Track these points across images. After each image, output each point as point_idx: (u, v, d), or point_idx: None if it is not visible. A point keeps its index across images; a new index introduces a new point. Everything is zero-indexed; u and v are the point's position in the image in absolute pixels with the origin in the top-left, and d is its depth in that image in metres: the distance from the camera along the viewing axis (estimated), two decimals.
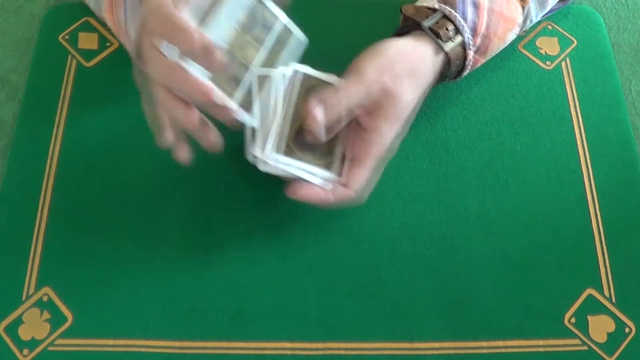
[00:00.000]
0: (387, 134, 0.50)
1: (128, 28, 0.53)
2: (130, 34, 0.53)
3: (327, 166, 0.50)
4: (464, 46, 0.53)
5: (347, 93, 0.48)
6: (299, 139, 0.49)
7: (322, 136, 0.48)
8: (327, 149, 0.50)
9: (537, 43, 0.63)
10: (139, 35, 0.45)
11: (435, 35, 0.52)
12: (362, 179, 0.50)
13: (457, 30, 0.53)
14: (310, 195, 0.49)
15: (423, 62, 0.52)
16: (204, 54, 0.42)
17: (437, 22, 0.52)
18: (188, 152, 0.49)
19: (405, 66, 0.50)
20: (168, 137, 0.48)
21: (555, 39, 0.63)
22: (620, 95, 0.60)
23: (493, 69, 0.61)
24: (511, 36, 0.58)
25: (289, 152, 0.49)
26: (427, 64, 0.52)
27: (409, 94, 0.51)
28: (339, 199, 0.50)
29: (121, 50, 0.62)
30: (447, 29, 0.52)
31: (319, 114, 0.47)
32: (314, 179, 0.49)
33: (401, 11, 0.55)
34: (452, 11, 0.52)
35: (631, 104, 0.61)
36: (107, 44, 0.62)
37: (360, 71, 0.49)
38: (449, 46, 0.52)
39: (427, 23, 0.52)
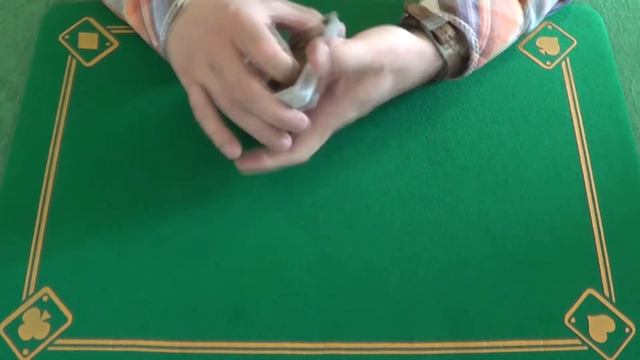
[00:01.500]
0: (351, 111, 0.52)
1: (155, 27, 0.54)
2: (158, 33, 0.54)
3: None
4: (461, 55, 0.53)
5: (355, 53, 0.48)
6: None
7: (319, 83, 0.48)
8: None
9: (537, 43, 0.63)
10: (204, 41, 0.48)
11: (436, 39, 0.52)
12: (310, 146, 0.51)
13: (458, 39, 0.53)
14: (255, 166, 0.50)
15: (418, 65, 0.52)
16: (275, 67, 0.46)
17: (440, 27, 0.52)
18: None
19: (400, 59, 0.51)
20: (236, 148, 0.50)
21: (555, 39, 0.63)
22: (620, 95, 0.60)
23: (493, 69, 0.61)
24: (513, 37, 0.58)
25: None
26: (421, 66, 0.52)
27: (390, 86, 0.52)
28: (282, 164, 0.51)
29: (121, 50, 0.62)
30: (449, 36, 0.52)
31: (322, 58, 0.46)
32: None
33: (405, 9, 0.55)
34: (456, 18, 0.52)
35: (631, 104, 0.61)
36: (107, 44, 0.62)
37: (371, 39, 0.50)
38: (447, 53, 0.52)
39: (430, 26, 0.52)
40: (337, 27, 0.50)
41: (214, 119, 0.49)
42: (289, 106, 0.47)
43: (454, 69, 0.54)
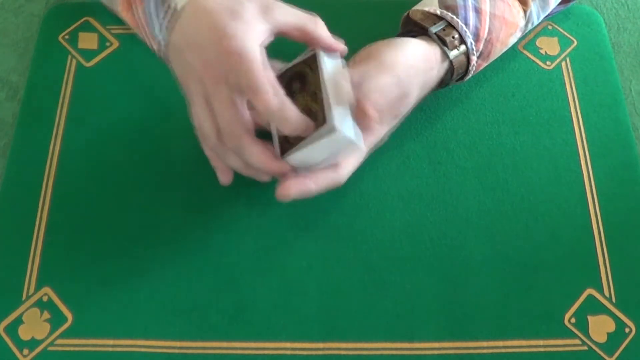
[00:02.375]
0: (386, 128, 0.52)
1: (151, 28, 0.52)
2: (154, 34, 0.51)
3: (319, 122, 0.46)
4: (467, 54, 0.53)
5: (386, 94, 0.49)
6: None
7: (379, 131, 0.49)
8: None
9: (537, 43, 0.63)
10: (200, 72, 0.45)
11: (442, 42, 0.52)
12: (352, 167, 0.51)
13: (461, 39, 0.53)
14: (299, 190, 0.49)
15: (431, 68, 0.52)
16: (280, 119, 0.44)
17: (443, 29, 0.53)
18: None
19: (419, 67, 0.51)
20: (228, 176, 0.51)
21: (555, 39, 0.63)
22: (620, 95, 0.60)
23: (493, 69, 0.61)
24: (512, 40, 0.58)
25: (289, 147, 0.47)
26: (434, 70, 0.53)
27: (416, 95, 0.52)
28: (325, 187, 0.50)
29: (121, 50, 0.62)
30: (453, 37, 0.52)
31: (372, 111, 0.47)
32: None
33: (408, 15, 0.55)
34: (454, 17, 0.52)
35: (631, 104, 0.61)
36: (107, 44, 0.62)
37: (395, 72, 0.50)
38: (453, 54, 0.53)
39: (434, 29, 0.52)
40: (331, 59, 0.47)
41: None
42: (310, 160, 0.46)
43: (461, 69, 0.54)
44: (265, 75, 0.43)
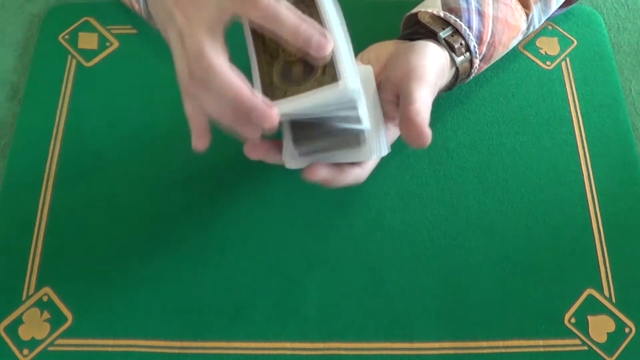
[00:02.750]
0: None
1: None
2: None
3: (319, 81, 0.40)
4: (470, 60, 0.53)
5: (426, 106, 0.47)
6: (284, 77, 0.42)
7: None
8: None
9: (537, 43, 0.63)
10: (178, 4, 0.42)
11: (450, 48, 0.52)
12: (374, 162, 0.51)
13: (467, 45, 0.53)
14: (328, 178, 0.47)
15: (443, 75, 0.52)
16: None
17: (452, 35, 0.52)
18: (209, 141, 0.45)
19: (438, 74, 0.50)
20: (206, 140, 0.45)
21: (555, 39, 0.63)
22: (620, 95, 0.60)
23: (493, 69, 0.61)
24: (514, 42, 0.58)
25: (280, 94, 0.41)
26: (445, 76, 0.52)
27: (430, 99, 0.50)
28: (350, 182, 0.49)
29: (121, 50, 0.62)
30: (460, 44, 0.52)
31: (427, 132, 0.45)
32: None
33: (414, 16, 0.54)
34: (457, 20, 0.52)
35: (631, 104, 0.61)
36: (107, 44, 0.62)
37: (428, 80, 0.48)
38: (459, 60, 0.52)
39: (443, 34, 0.52)
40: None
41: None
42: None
43: (464, 75, 0.54)
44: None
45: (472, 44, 0.53)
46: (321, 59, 0.40)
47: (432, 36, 0.53)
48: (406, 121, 0.45)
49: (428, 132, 0.45)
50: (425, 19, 0.53)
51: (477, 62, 0.54)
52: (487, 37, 0.54)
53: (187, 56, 0.41)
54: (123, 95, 0.59)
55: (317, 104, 0.40)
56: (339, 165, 0.48)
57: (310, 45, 0.39)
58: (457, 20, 0.52)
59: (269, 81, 0.42)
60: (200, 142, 0.45)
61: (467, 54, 0.53)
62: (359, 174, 0.50)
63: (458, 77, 0.54)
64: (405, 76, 0.48)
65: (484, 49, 0.54)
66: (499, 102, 0.60)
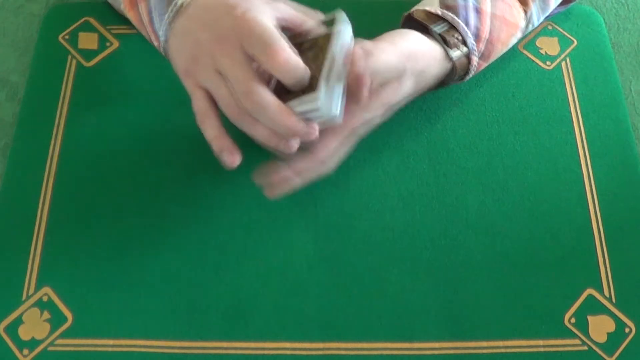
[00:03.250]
0: (377, 117, 0.51)
1: (154, 26, 0.53)
2: (158, 32, 0.53)
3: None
4: (467, 55, 0.53)
5: (384, 58, 0.48)
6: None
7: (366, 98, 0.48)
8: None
9: (537, 43, 0.63)
10: (211, 45, 0.46)
11: (444, 41, 0.52)
12: (330, 147, 0.50)
13: (463, 40, 0.53)
14: (285, 187, 0.50)
15: (433, 66, 0.52)
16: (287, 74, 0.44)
17: (446, 30, 0.53)
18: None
19: (420, 63, 0.51)
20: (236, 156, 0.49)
21: (555, 39, 0.63)
22: (620, 95, 0.60)
23: (493, 69, 0.61)
24: (513, 40, 0.58)
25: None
26: (435, 68, 0.53)
27: (410, 89, 0.52)
28: (311, 177, 0.50)
29: (121, 50, 0.62)
30: (455, 37, 0.52)
31: (367, 81, 0.47)
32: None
33: (409, 15, 0.55)
34: (455, 17, 0.53)
35: (631, 104, 0.61)
36: (107, 44, 0.62)
37: (394, 43, 0.50)
38: (456, 55, 0.53)
39: (437, 29, 0.52)
40: (348, 27, 0.48)
41: (216, 125, 0.48)
42: (305, 117, 0.46)
43: (462, 71, 0.54)
44: (275, 33, 0.44)
45: (470, 41, 0.53)
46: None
47: (426, 32, 0.53)
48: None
49: (366, 83, 0.46)
50: (419, 16, 0.54)
51: (475, 59, 0.54)
52: (485, 34, 0.54)
53: (235, 94, 0.46)
54: (123, 95, 0.59)
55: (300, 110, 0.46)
56: (294, 168, 0.50)
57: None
58: (455, 17, 0.53)
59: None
60: (234, 156, 0.48)
61: (464, 48, 0.53)
62: (317, 168, 0.50)
63: (456, 72, 0.54)
64: (384, 44, 0.50)
65: (482, 46, 0.54)
66: (499, 102, 0.60)
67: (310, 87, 0.46)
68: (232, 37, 0.45)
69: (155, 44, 0.55)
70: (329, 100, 0.45)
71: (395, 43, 0.50)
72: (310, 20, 0.49)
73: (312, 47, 0.48)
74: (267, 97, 0.45)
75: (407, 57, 0.50)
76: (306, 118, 0.46)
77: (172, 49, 0.51)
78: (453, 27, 0.53)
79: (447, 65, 0.53)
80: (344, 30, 0.47)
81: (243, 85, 0.45)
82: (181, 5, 0.50)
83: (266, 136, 0.47)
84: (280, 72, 0.44)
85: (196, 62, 0.47)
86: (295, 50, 0.46)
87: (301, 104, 0.45)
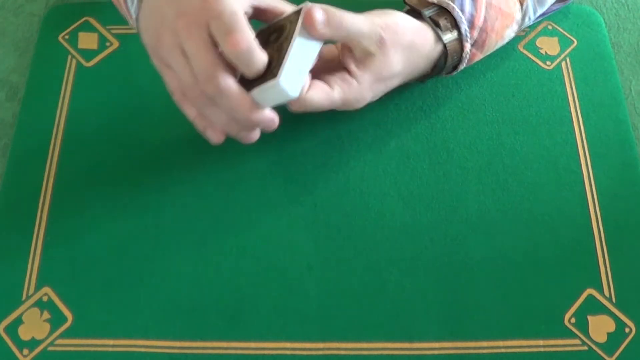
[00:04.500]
0: (367, 87, 0.51)
1: (127, 4, 0.52)
2: (130, 10, 0.52)
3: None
4: (461, 40, 0.53)
5: (351, 19, 0.47)
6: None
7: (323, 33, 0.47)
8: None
9: (537, 43, 0.63)
10: (176, 22, 0.45)
11: (435, 24, 0.52)
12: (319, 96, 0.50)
13: (455, 24, 0.53)
14: (317, 99, 0.49)
15: (422, 44, 0.52)
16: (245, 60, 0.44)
17: (437, 13, 0.53)
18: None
19: (406, 38, 0.51)
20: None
21: (556, 39, 0.63)
22: (620, 95, 0.60)
23: (493, 69, 0.61)
24: (509, 33, 0.58)
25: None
26: (425, 47, 0.52)
27: (400, 64, 0.51)
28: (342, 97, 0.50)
29: (121, 50, 0.62)
30: (446, 20, 0.53)
31: (320, 16, 0.46)
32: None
33: (404, 1, 0.55)
34: (450, 2, 0.53)
35: (631, 104, 0.61)
36: (107, 44, 0.62)
37: (369, 16, 0.49)
38: (447, 37, 0.53)
39: (427, 12, 0.53)
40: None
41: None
42: (263, 103, 0.46)
43: (455, 54, 0.54)
44: (242, 20, 0.43)
45: (464, 27, 0.53)
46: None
47: (420, 17, 0.53)
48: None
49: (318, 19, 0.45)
50: (412, 2, 0.54)
51: (468, 46, 0.54)
52: (479, 22, 0.54)
53: (198, 76, 0.45)
54: (123, 95, 0.59)
55: (262, 97, 0.47)
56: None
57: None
58: (450, 2, 0.53)
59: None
60: (217, 135, 0.49)
61: (456, 31, 0.53)
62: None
63: (447, 57, 0.54)
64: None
65: (476, 33, 0.54)
66: (499, 102, 0.60)
67: (270, 71, 0.46)
68: (199, 16, 0.44)
69: (130, 22, 0.54)
70: (290, 85, 0.46)
71: (370, 15, 0.49)
72: (288, 7, 0.49)
73: (276, 29, 0.48)
74: (230, 84, 0.44)
75: (384, 28, 0.49)
76: (265, 102, 0.47)
77: (141, 26, 0.50)
78: (444, 10, 0.53)
79: (438, 48, 0.53)
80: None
81: (206, 70, 0.44)
82: None
83: (225, 123, 0.47)
84: (239, 60, 0.44)
85: (159, 39, 0.46)
86: (258, 40, 0.45)
87: (261, 92, 0.45)
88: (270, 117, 0.47)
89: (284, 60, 0.45)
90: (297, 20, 0.46)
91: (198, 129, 0.49)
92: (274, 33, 0.48)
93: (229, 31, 0.43)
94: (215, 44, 0.44)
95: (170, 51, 0.46)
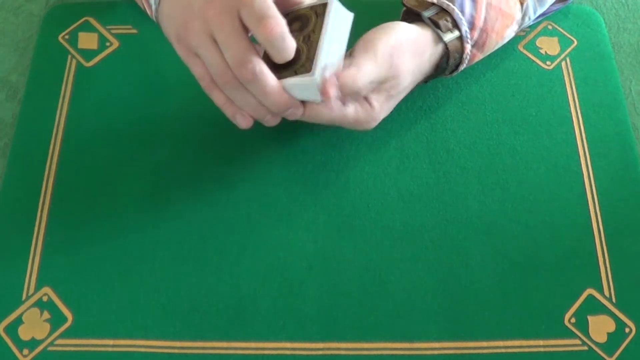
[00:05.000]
0: (380, 108, 0.52)
1: None
2: (150, 1, 0.52)
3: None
4: (461, 41, 0.53)
5: (364, 74, 0.48)
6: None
7: (336, 109, 0.49)
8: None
9: (537, 43, 0.63)
10: (205, 9, 0.45)
11: (435, 25, 0.52)
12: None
13: (455, 24, 0.53)
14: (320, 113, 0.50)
15: (424, 50, 0.52)
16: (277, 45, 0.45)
17: (437, 14, 0.53)
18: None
19: (411, 49, 0.51)
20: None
21: (556, 39, 0.63)
22: (620, 95, 0.60)
23: (493, 69, 0.61)
24: (509, 33, 0.58)
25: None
26: (427, 51, 0.53)
27: (410, 77, 0.52)
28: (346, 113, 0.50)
29: (121, 50, 0.62)
30: (446, 20, 0.52)
31: (334, 92, 0.47)
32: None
33: (402, 3, 0.55)
34: (450, 4, 0.53)
35: (631, 104, 0.61)
36: (107, 44, 0.62)
37: (375, 51, 0.49)
38: (447, 37, 0.53)
39: (427, 13, 0.53)
40: (340, 14, 0.48)
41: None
42: (290, 94, 0.47)
43: (457, 54, 0.54)
44: (272, 6, 0.44)
45: (464, 28, 0.53)
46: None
47: (418, 19, 0.53)
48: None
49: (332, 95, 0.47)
50: (410, 3, 0.54)
51: (468, 47, 0.54)
52: (479, 23, 0.54)
53: (225, 56, 0.45)
54: (123, 95, 0.59)
55: (295, 89, 0.48)
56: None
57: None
58: (450, 4, 0.53)
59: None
60: (246, 119, 0.49)
61: (456, 31, 0.53)
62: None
63: (449, 57, 0.54)
64: (366, 60, 0.49)
65: (476, 34, 0.54)
66: (499, 102, 0.60)
67: (297, 61, 0.46)
68: (228, 4, 0.44)
69: (148, 12, 0.54)
70: (321, 75, 0.46)
71: (375, 48, 0.50)
72: None
73: (298, 18, 0.48)
74: (263, 69, 0.45)
75: (391, 53, 0.50)
76: (291, 94, 0.47)
77: (163, 15, 0.50)
78: (443, 11, 0.53)
79: (439, 49, 0.53)
80: (336, 9, 0.47)
81: (239, 55, 0.44)
82: None
83: (254, 107, 0.48)
84: (272, 46, 0.44)
85: (189, 28, 0.46)
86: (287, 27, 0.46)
87: (295, 85, 0.46)
88: (297, 104, 0.48)
89: (317, 56, 0.46)
90: (324, 13, 0.47)
91: (227, 114, 0.49)
92: (295, 21, 0.48)
93: (262, 17, 0.43)
94: (245, 30, 0.45)
95: (200, 39, 0.46)
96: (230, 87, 0.47)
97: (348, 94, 0.49)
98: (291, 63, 0.47)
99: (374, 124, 0.53)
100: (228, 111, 0.49)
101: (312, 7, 0.49)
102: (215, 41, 0.45)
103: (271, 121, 0.50)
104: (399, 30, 0.51)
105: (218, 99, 0.48)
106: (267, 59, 0.47)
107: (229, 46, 0.45)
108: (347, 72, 0.48)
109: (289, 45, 0.45)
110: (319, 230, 0.54)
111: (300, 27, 0.48)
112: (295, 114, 0.49)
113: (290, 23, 0.48)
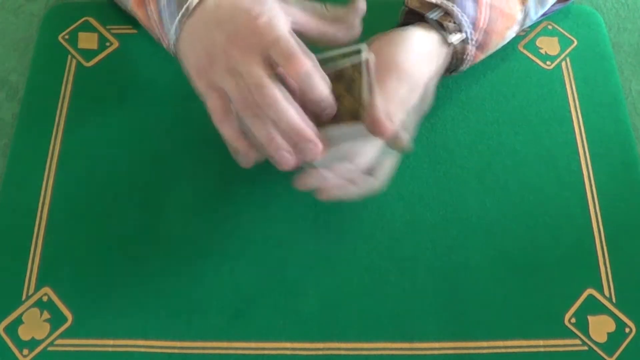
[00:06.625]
0: (411, 123, 0.52)
1: (164, 26, 0.52)
2: (168, 32, 0.52)
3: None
4: (464, 42, 0.54)
5: (401, 101, 0.50)
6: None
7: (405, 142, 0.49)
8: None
9: (537, 43, 0.63)
10: (229, 47, 0.46)
11: (440, 27, 0.52)
12: (368, 155, 0.50)
13: (458, 26, 0.53)
14: (342, 192, 0.50)
15: (435, 55, 0.53)
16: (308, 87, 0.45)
17: (442, 16, 0.53)
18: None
19: (424, 60, 0.52)
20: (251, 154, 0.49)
21: (556, 39, 0.63)
22: (620, 95, 0.60)
23: (493, 69, 0.61)
24: (510, 34, 0.58)
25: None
26: (438, 56, 0.53)
27: (430, 83, 0.52)
28: (363, 191, 0.51)
29: (121, 50, 0.62)
30: (450, 21, 0.53)
31: (392, 128, 0.47)
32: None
33: (405, 4, 0.55)
34: (454, 6, 0.53)
35: (631, 104, 0.61)
36: (107, 44, 0.62)
37: (403, 70, 0.50)
38: (454, 38, 0.53)
39: (432, 15, 0.53)
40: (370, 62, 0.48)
41: (234, 125, 0.47)
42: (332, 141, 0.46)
43: (461, 54, 0.54)
44: (296, 45, 0.45)
45: (469, 30, 0.53)
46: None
47: (422, 20, 0.53)
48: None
49: (387, 124, 0.46)
50: (413, 5, 0.54)
51: (472, 48, 0.54)
52: (482, 24, 0.54)
53: (246, 88, 0.45)
54: (123, 95, 0.59)
55: (343, 139, 0.48)
56: (350, 177, 0.50)
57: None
58: (454, 5, 0.53)
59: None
60: (249, 157, 0.49)
61: (460, 33, 0.53)
62: (373, 182, 0.51)
63: (455, 58, 0.54)
64: (378, 69, 0.49)
65: (479, 35, 0.54)
66: (499, 102, 0.60)
67: (339, 118, 0.46)
68: (253, 42, 0.45)
69: (165, 44, 0.54)
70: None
71: (391, 85, 0.50)
72: (322, 25, 0.49)
73: (341, 78, 0.48)
74: (277, 92, 0.45)
75: (404, 79, 0.50)
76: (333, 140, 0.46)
77: (183, 49, 0.50)
78: (448, 13, 0.53)
79: (444, 50, 0.53)
80: (371, 60, 0.47)
81: (255, 79, 0.45)
82: (194, 6, 0.49)
83: (267, 137, 0.46)
84: (302, 82, 0.44)
85: (211, 63, 0.47)
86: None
87: (342, 133, 0.46)
88: (315, 137, 0.46)
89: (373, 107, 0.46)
90: (362, 71, 0.47)
91: (231, 150, 0.49)
92: (339, 81, 0.48)
93: (289, 56, 0.44)
94: (268, 65, 0.45)
95: (223, 74, 0.46)
96: (246, 113, 0.46)
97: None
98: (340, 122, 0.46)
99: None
100: (237, 146, 0.48)
101: (353, 66, 0.48)
102: (238, 73, 0.46)
103: (282, 158, 0.47)
104: (412, 43, 0.52)
105: (227, 132, 0.48)
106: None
107: (246, 72, 0.45)
108: (388, 107, 0.48)
109: (318, 82, 0.45)
110: (319, 230, 0.54)
111: (341, 83, 0.48)
112: (313, 141, 0.45)
113: (333, 81, 0.48)
